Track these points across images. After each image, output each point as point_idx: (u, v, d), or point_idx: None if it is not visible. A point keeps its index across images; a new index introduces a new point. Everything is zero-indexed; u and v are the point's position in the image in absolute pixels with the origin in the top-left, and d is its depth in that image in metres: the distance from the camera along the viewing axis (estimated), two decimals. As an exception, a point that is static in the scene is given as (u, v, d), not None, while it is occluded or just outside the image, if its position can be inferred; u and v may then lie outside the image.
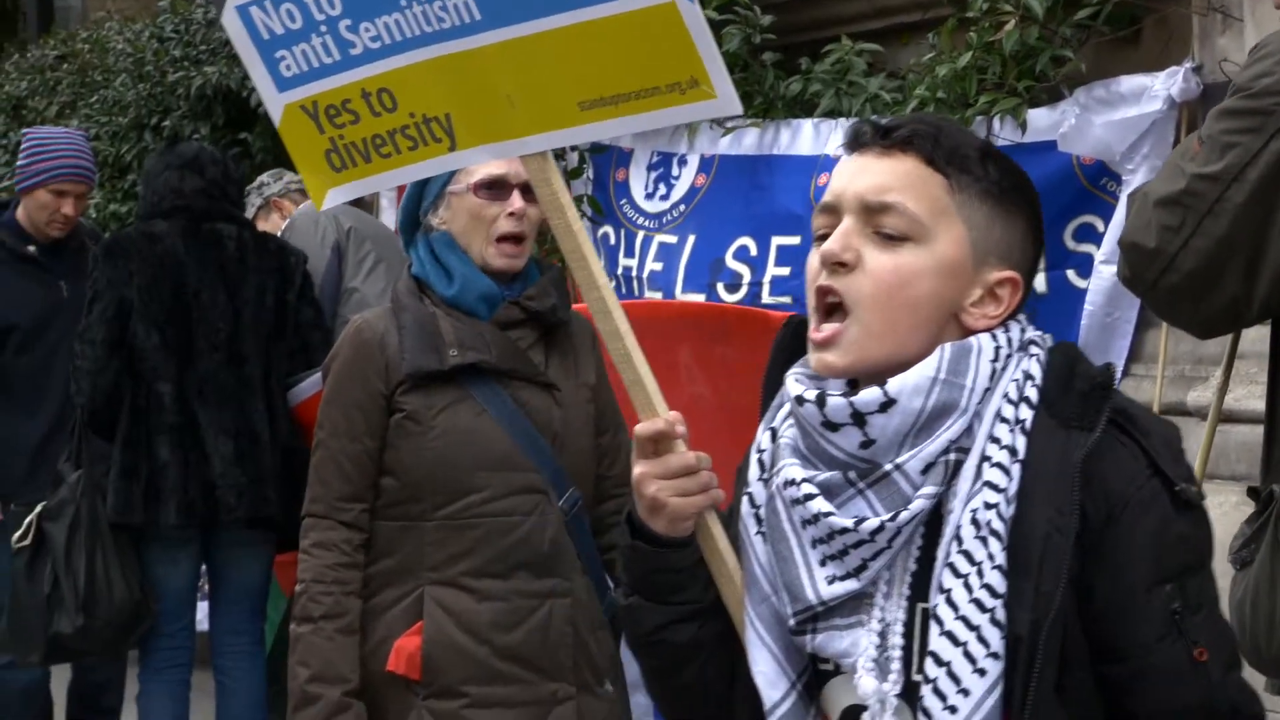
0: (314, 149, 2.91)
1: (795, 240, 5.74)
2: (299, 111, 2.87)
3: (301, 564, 4.09)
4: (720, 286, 5.93)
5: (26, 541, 6.20)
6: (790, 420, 2.29)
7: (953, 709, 2.11)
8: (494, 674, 3.95)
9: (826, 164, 5.65)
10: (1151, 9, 5.43)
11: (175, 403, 6.00)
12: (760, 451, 2.36)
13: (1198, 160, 3.22)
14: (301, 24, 2.78)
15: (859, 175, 2.26)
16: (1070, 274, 5.50)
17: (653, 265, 6.19)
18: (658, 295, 6.17)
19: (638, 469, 2.39)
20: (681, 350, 5.07)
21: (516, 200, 3.97)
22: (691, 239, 6.12)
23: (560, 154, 6.59)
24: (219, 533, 6.15)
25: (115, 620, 6.07)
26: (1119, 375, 5.28)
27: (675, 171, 6.28)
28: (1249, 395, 4.97)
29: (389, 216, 7.67)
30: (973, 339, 2.21)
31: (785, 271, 5.75)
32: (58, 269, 6.86)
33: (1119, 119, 5.27)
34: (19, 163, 7.21)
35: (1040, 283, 5.40)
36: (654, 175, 6.32)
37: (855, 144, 2.33)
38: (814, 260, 2.25)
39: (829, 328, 2.22)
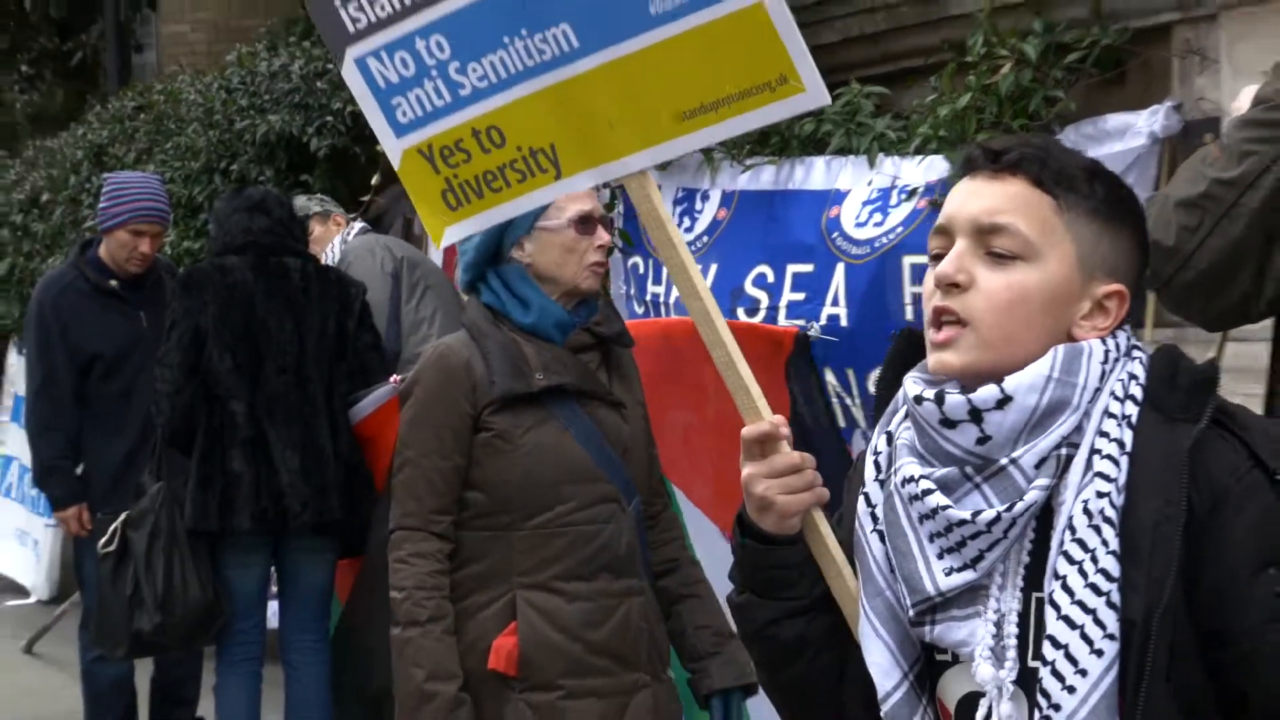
0: (431, 189, 2.90)
1: (809, 268, 5.82)
2: (416, 155, 2.87)
3: (399, 573, 4.07)
4: (740, 311, 6.01)
5: (112, 547, 6.33)
6: (906, 423, 2.32)
7: (1071, 689, 2.10)
8: (586, 667, 3.99)
9: (837, 197, 5.80)
10: (1134, 53, 5.50)
11: (247, 420, 6.13)
12: (876, 454, 2.38)
13: (1217, 166, 3.19)
14: (414, 70, 2.78)
15: (971, 198, 2.28)
16: None
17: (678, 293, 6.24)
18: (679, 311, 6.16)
19: (747, 469, 2.43)
20: (708, 369, 4.95)
21: (603, 234, 4.08)
22: (714, 268, 6.23)
23: (597, 187, 6.74)
24: (287, 538, 6.31)
25: (190, 618, 6.19)
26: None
27: (699, 206, 6.37)
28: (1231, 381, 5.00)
29: (432, 251, 7.84)
30: (1084, 342, 2.21)
31: (800, 296, 5.84)
32: (137, 301, 7.10)
33: (1106, 153, 5.20)
34: (101, 205, 7.35)
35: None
36: (679, 209, 6.41)
37: (967, 168, 2.35)
38: (929, 282, 2.28)
39: (949, 330, 2.24)
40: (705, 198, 6.41)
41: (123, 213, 7.10)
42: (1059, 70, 5.53)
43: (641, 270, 6.44)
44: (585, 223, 4.01)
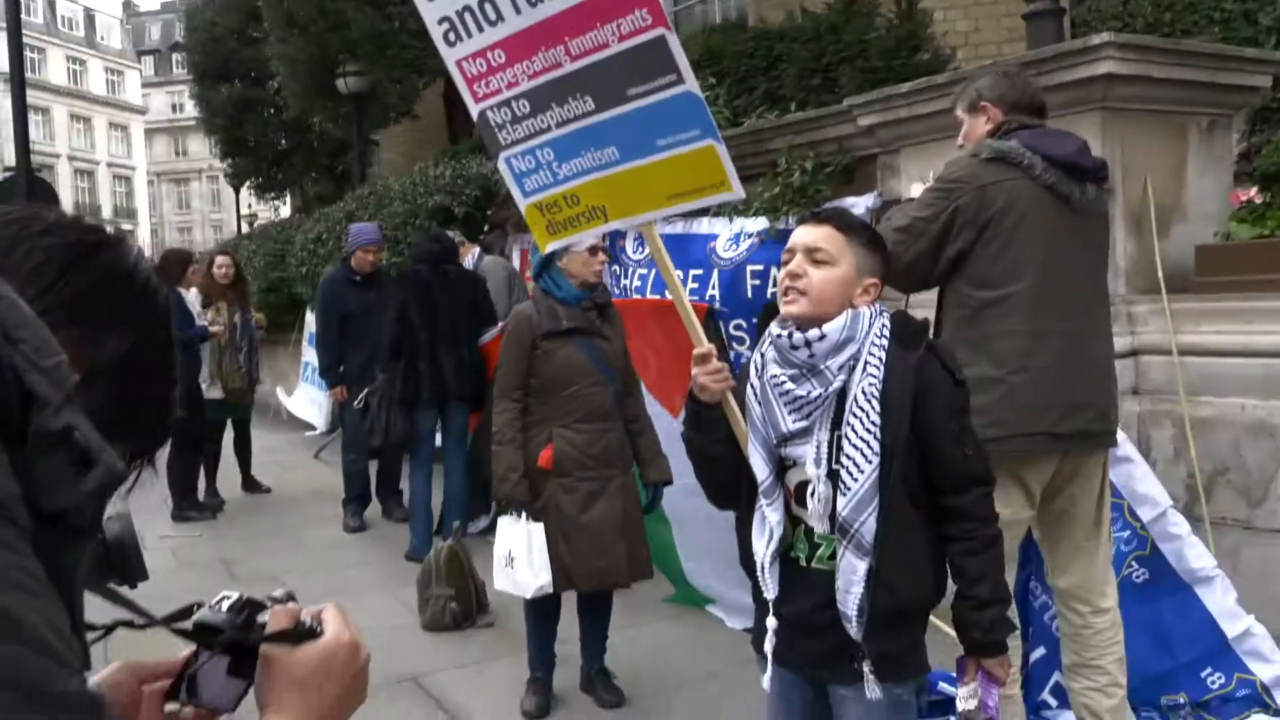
0: (540, 224, 2.77)
1: (700, 271, 5.72)
2: (533, 208, 2.76)
3: (496, 419, 3.95)
4: (665, 293, 5.36)
5: (359, 405, 6.45)
6: (770, 348, 2.25)
7: (855, 479, 2.08)
8: (585, 467, 3.85)
9: (713, 237, 5.69)
10: (857, 168, 5.49)
11: (427, 346, 6.05)
12: (756, 364, 2.29)
13: (914, 209, 3.05)
14: (533, 164, 2.68)
15: (804, 234, 2.26)
16: None
17: (636, 282, 6.16)
18: (639, 296, 6.07)
19: (694, 370, 2.33)
20: (656, 323, 4.87)
21: (600, 255, 3.95)
22: (652, 273, 6.10)
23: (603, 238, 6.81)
24: (446, 403, 6.19)
25: (396, 440, 6.22)
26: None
27: (645, 242, 6.31)
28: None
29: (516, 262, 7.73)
30: (861, 309, 2.18)
31: (696, 286, 5.68)
32: (369, 286, 7.02)
33: None
34: (349, 238, 7.31)
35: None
36: (635, 241, 6.24)
37: (802, 221, 2.35)
38: (782, 274, 2.26)
39: (793, 295, 2.20)
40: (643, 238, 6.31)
41: (361, 241, 7.11)
42: (821, 176, 5.49)
43: (618, 272, 6.21)
44: (592, 250, 3.90)
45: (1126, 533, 3.58)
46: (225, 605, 0.93)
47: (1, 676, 0.56)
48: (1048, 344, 2.94)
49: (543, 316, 3.92)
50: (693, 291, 5.80)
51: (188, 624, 0.92)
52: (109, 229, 0.92)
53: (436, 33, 2.59)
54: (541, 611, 4.02)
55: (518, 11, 2.45)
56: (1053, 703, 3.70)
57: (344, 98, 13.25)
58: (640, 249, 6.30)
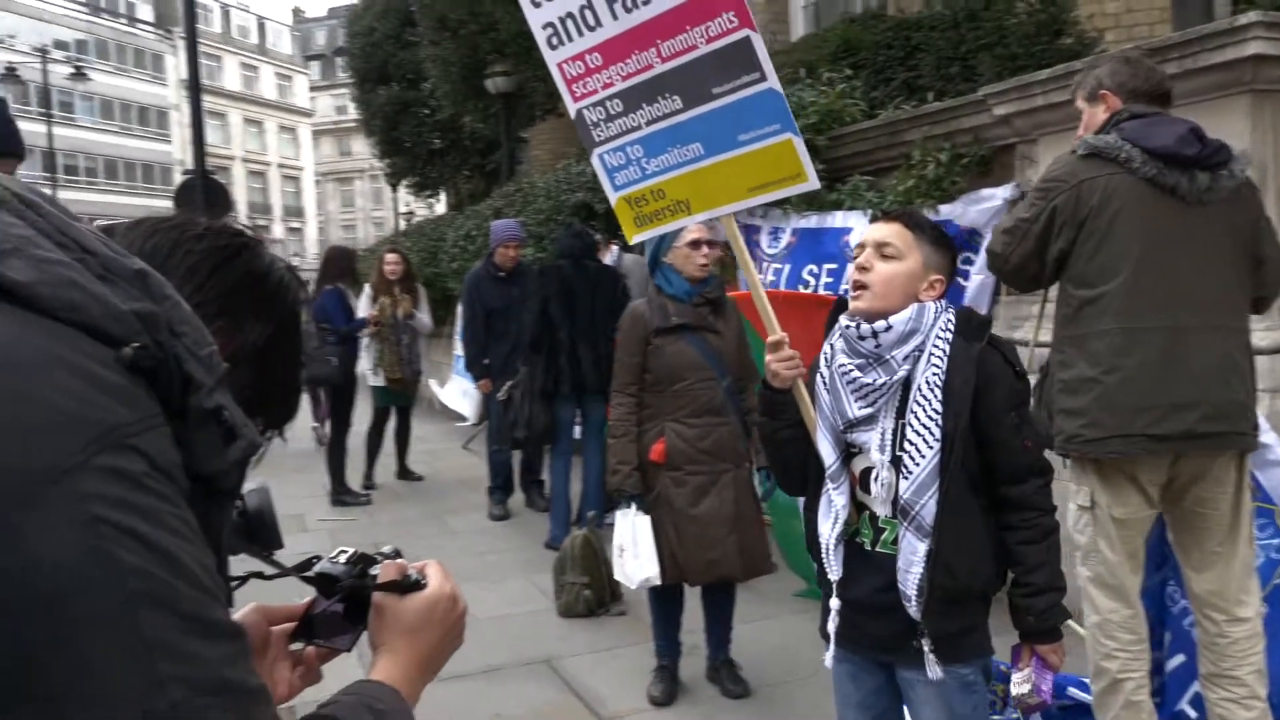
0: (629, 216, 2.90)
1: (835, 265, 5.80)
2: (622, 201, 2.88)
3: (612, 413, 4.08)
4: (800, 287, 5.98)
5: (503, 397, 6.61)
6: (840, 337, 2.30)
7: (917, 464, 2.15)
8: (695, 459, 3.87)
9: (847, 231, 5.75)
10: (995, 158, 5.40)
11: (567, 340, 6.16)
12: (825, 354, 2.35)
13: (1019, 210, 3.07)
14: (623, 160, 2.80)
15: (874, 230, 2.33)
16: (960, 279, 5.20)
17: (770, 277, 6.18)
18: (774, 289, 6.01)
19: (768, 357, 2.44)
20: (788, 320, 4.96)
21: (705, 249, 3.91)
22: (787, 266, 6.19)
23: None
24: (584, 396, 6.27)
25: (537, 432, 6.35)
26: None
27: (779, 236, 6.29)
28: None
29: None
30: (927, 303, 2.24)
31: (830, 280, 5.82)
32: (514, 281, 7.15)
33: (980, 209, 5.23)
34: (492, 235, 7.41)
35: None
36: (770, 236, 6.31)
37: (874, 220, 2.43)
38: (851, 269, 2.34)
39: (860, 291, 2.28)
40: (783, 232, 6.35)
41: (503, 238, 7.27)
42: (958, 168, 5.46)
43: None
44: (694, 245, 3.90)
45: (1278, 540, 3.39)
46: (343, 559, 1.09)
47: (162, 602, 0.68)
48: (1143, 342, 2.87)
49: (654, 313, 3.97)
50: (826, 285, 5.95)
51: (311, 573, 1.08)
52: (249, 233, 1.05)
53: (541, 37, 2.80)
54: (662, 601, 4.10)
55: (614, 17, 2.64)
56: (1192, 714, 3.50)
57: (493, 97, 13.67)
58: (774, 244, 6.35)
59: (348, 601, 1.07)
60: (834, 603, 2.31)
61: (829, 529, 2.29)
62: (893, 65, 6.76)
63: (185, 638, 0.69)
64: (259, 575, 1.03)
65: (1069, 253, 2.95)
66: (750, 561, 3.96)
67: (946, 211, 5.39)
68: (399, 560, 1.11)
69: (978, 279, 5.30)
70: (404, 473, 8.81)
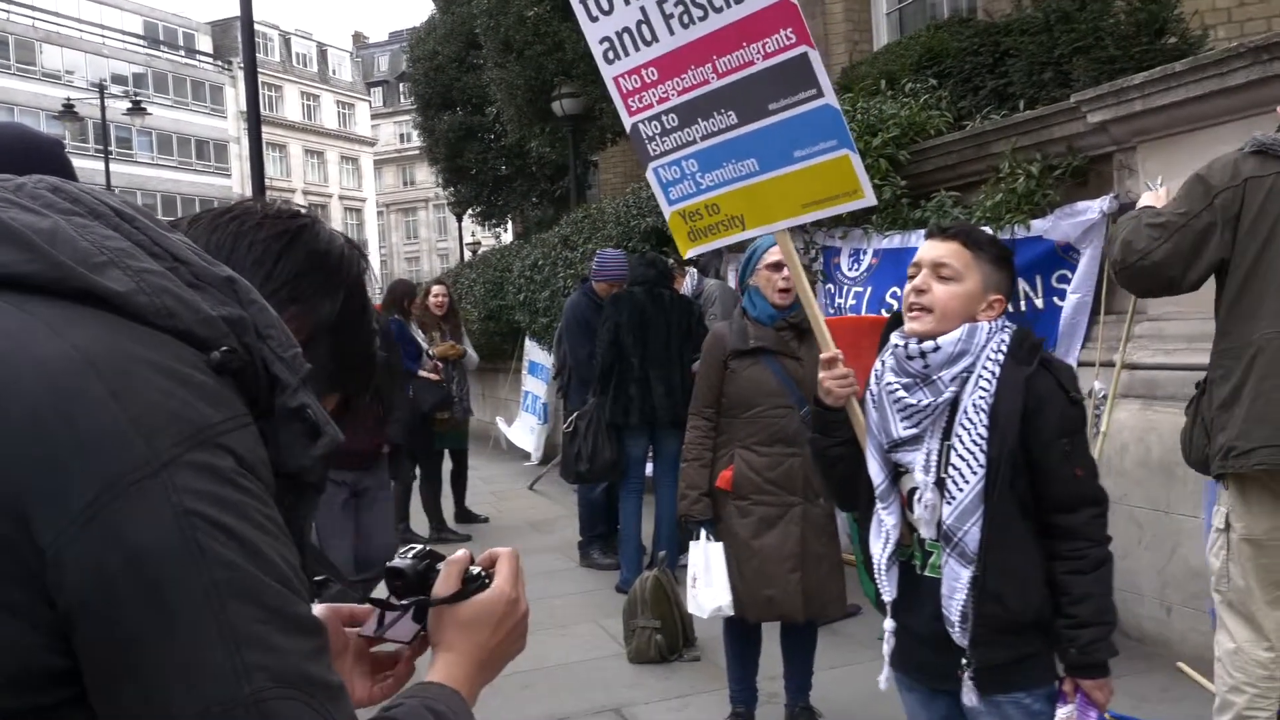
0: (682, 231, 3.03)
1: None
2: (676, 215, 3.02)
3: (687, 435, 4.12)
4: (882, 310, 5.96)
5: (569, 430, 6.69)
6: (890, 356, 2.36)
7: (961, 489, 2.22)
8: (762, 489, 3.90)
9: None
10: (1092, 168, 5.33)
11: (639, 369, 6.26)
12: (876, 370, 2.41)
13: (1172, 205, 3.04)
14: (678, 174, 2.94)
15: (930, 250, 2.37)
16: (1055, 299, 5.34)
17: (851, 300, 6.23)
18: (853, 313, 6.22)
19: (821, 374, 2.56)
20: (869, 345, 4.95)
21: (785, 272, 3.90)
22: (869, 289, 6.21)
23: (814, 254, 7.06)
24: (656, 429, 6.35)
25: (602, 466, 6.43)
26: (1078, 346, 5.15)
27: (861, 258, 6.30)
28: (1138, 350, 4.90)
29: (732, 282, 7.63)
30: (981, 323, 2.29)
31: None
32: (608, 313, 6.88)
33: (1077, 222, 5.19)
34: (598, 263, 7.18)
35: (1039, 302, 5.37)
36: (851, 259, 6.35)
37: (929, 236, 2.45)
38: (908, 288, 2.37)
39: (917, 312, 2.33)
40: (864, 253, 6.37)
41: (609, 275, 7.05)
42: (1050, 179, 5.38)
43: (832, 290, 6.30)
44: (775, 266, 3.94)
45: None
46: (411, 554, 1.19)
47: (248, 594, 0.75)
48: None
49: (734, 335, 4.05)
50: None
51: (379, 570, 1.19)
52: (304, 211, 1.13)
53: (597, 51, 2.96)
54: (737, 640, 4.13)
55: (671, 33, 2.79)
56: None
57: (560, 120, 13.94)
58: (855, 266, 6.39)
59: (413, 600, 1.17)
60: (888, 624, 2.41)
61: (880, 549, 2.38)
62: (981, 72, 6.71)
63: (268, 629, 0.76)
64: (336, 577, 1.12)
65: (1228, 256, 2.95)
66: (816, 603, 3.96)
67: (1039, 227, 5.36)
68: (461, 554, 1.20)
69: (1074, 298, 5.27)
70: (464, 515, 8.91)
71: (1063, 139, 5.43)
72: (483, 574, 1.18)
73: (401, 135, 64.71)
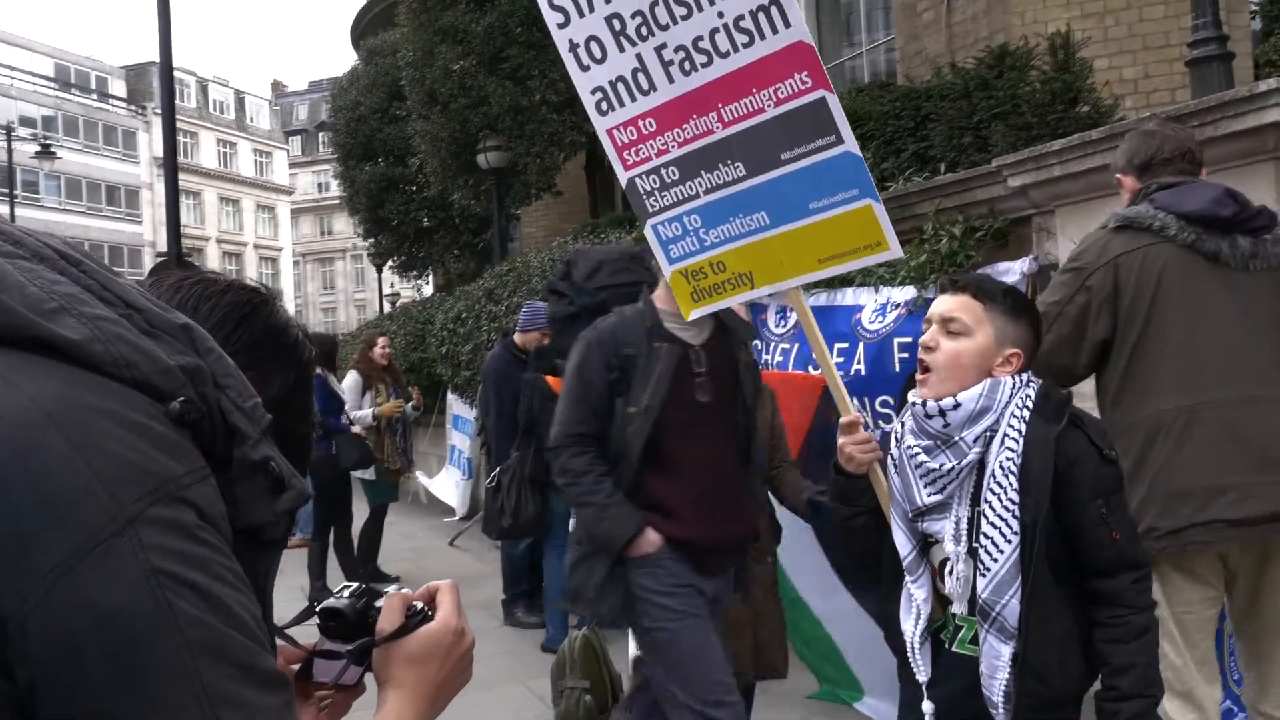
0: (685, 291, 2.86)
1: (845, 345, 5.71)
2: (678, 274, 2.84)
3: None
4: (809, 368, 5.86)
5: (492, 484, 6.44)
6: (910, 417, 2.29)
7: (995, 559, 2.12)
8: None
9: (858, 309, 5.73)
10: (1012, 230, 5.45)
11: None
12: (896, 435, 2.35)
13: (1046, 294, 3.05)
14: (680, 231, 2.77)
15: (941, 304, 2.31)
16: None
17: (779, 357, 6.18)
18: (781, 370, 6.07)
19: (841, 439, 2.41)
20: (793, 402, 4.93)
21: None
22: (796, 346, 6.13)
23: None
24: None
25: (526, 522, 6.24)
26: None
27: (788, 314, 6.23)
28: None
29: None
30: (1000, 378, 2.21)
31: (841, 360, 5.63)
32: (532, 366, 6.77)
33: None
34: (525, 316, 6.95)
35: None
36: (777, 315, 6.31)
37: (941, 290, 2.39)
38: (920, 346, 2.31)
39: (924, 374, 2.28)
40: (790, 310, 6.25)
41: (539, 324, 6.84)
42: (972, 241, 5.49)
43: (759, 347, 6.07)
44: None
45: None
46: (347, 593, 1.17)
47: (219, 652, 0.75)
48: (1206, 419, 2.81)
49: None
50: (837, 365, 5.91)
51: (316, 608, 1.17)
52: (264, 289, 1.16)
53: (589, 102, 2.78)
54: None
55: (670, 81, 2.63)
56: None
57: (484, 173, 13.94)
58: (782, 323, 6.40)
59: (361, 642, 1.14)
60: (927, 706, 2.27)
61: (912, 626, 2.27)
62: (902, 136, 6.89)
63: (240, 687, 0.75)
64: (291, 625, 1.13)
65: (1110, 336, 2.93)
66: (764, 663, 3.92)
67: (961, 288, 5.45)
68: (404, 593, 1.18)
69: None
70: (374, 574, 8.60)
71: (984, 201, 5.57)
72: (424, 608, 1.16)
73: (320, 184, 64.17)
